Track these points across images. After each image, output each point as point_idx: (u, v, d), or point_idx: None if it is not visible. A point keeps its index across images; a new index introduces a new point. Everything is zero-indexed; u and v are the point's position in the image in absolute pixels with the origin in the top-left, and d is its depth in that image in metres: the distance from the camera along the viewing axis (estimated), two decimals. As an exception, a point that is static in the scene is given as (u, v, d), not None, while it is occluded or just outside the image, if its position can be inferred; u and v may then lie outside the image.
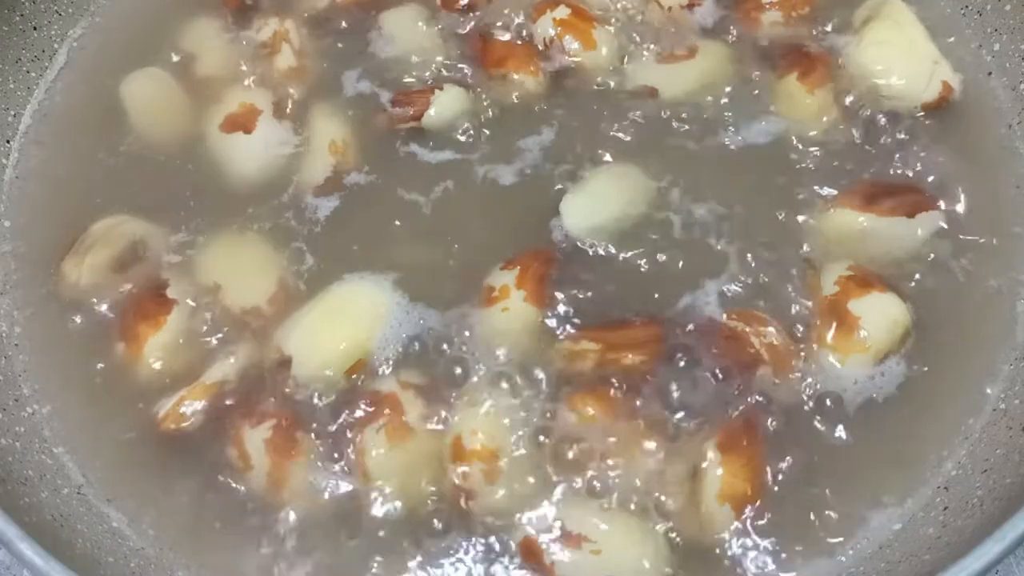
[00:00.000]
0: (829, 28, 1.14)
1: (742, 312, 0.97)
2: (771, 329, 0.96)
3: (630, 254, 1.01)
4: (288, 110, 1.11)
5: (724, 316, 0.97)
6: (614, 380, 0.94)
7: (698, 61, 1.11)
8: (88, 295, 1.03)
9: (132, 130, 1.13)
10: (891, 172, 1.06)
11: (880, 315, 0.95)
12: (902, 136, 1.08)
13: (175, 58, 1.17)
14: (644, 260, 1.01)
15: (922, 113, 1.08)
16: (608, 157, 1.07)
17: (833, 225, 1.02)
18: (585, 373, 0.94)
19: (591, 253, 1.01)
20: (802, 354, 0.96)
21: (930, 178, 1.06)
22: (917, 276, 1.00)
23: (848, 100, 1.09)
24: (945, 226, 1.01)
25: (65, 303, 1.03)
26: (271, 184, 1.08)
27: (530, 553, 0.87)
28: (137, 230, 1.05)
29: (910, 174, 1.06)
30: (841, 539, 0.91)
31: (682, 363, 0.94)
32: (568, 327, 0.97)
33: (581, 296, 0.99)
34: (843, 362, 0.95)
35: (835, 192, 1.04)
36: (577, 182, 1.05)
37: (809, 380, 0.95)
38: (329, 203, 1.07)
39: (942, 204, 1.03)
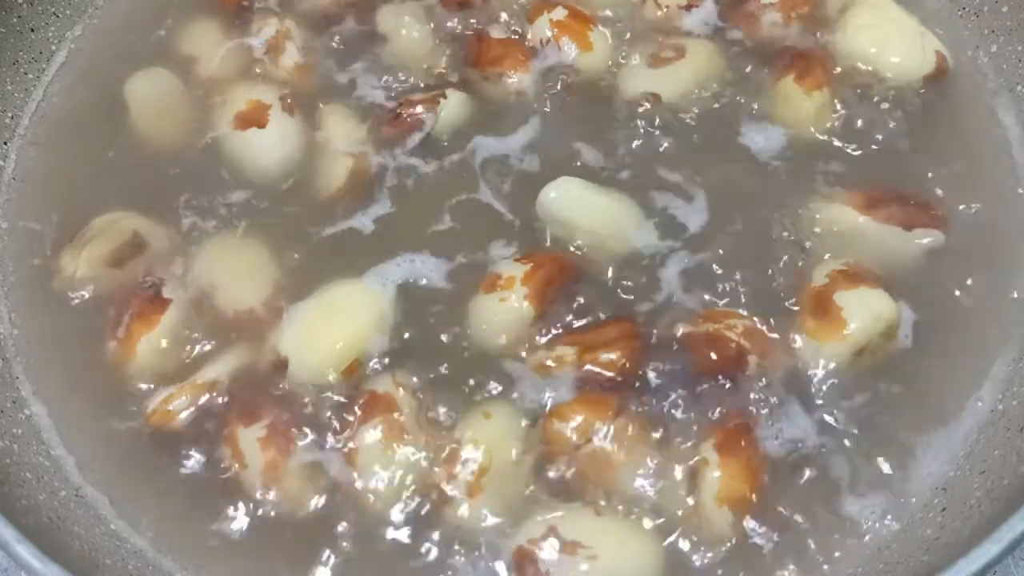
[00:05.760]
0: (825, 22, 1.15)
1: (709, 313, 0.98)
2: (739, 320, 0.96)
3: (617, 252, 1.02)
4: (295, 106, 1.11)
5: (692, 324, 0.97)
6: (606, 386, 0.94)
7: (689, 60, 1.11)
8: (84, 289, 1.03)
9: (133, 131, 1.13)
10: (887, 172, 1.06)
11: (863, 308, 0.95)
12: (898, 137, 1.08)
13: (175, 59, 1.17)
14: (632, 258, 1.02)
15: (923, 90, 1.10)
16: (602, 155, 1.07)
17: (830, 219, 1.02)
18: (573, 378, 0.94)
19: (577, 254, 1.01)
20: (791, 343, 0.96)
21: (927, 180, 1.06)
22: (915, 278, 1.00)
23: (847, 93, 1.10)
24: (943, 235, 1.01)
25: (63, 305, 1.03)
26: (282, 181, 1.08)
27: (524, 563, 0.87)
28: (136, 226, 1.05)
29: (906, 175, 1.06)
30: (840, 539, 0.91)
31: (671, 367, 0.95)
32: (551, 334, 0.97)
33: (574, 305, 0.99)
34: (820, 349, 0.95)
35: (832, 190, 1.04)
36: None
37: (800, 378, 0.95)
38: (331, 202, 1.07)
39: (945, 216, 1.03)
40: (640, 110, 1.09)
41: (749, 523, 0.90)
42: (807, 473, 0.92)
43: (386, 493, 0.92)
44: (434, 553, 0.90)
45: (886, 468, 0.93)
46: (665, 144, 1.08)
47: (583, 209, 1.02)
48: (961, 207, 1.05)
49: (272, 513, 0.92)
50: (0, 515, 0.82)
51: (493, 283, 0.98)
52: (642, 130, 1.09)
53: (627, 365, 0.94)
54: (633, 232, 1.03)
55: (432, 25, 1.17)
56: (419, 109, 1.09)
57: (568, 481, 0.91)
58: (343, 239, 1.05)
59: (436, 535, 0.91)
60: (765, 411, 0.93)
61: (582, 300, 0.99)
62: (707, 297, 0.99)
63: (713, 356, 0.94)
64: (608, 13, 1.16)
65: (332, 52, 1.16)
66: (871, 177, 1.06)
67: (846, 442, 0.94)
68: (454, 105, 1.09)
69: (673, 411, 0.93)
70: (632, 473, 0.91)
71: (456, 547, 0.90)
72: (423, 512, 0.91)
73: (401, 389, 0.94)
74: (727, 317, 0.97)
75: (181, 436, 0.95)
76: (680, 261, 1.02)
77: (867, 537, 0.91)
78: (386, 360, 0.97)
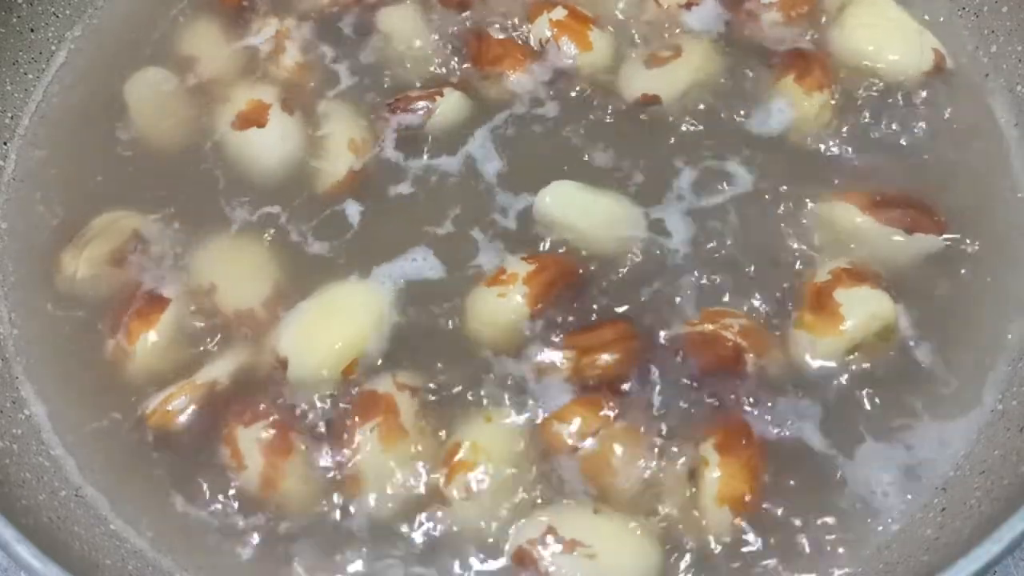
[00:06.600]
0: (823, 21, 1.15)
1: (705, 313, 0.98)
2: (736, 319, 0.96)
3: (615, 253, 1.02)
4: (295, 106, 1.11)
5: (689, 325, 0.97)
6: (605, 387, 0.94)
7: (686, 59, 1.11)
8: (85, 288, 1.03)
9: (132, 131, 1.13)
10: (886, 172, 1.06)
11: (861, 306, 0.95)
12: (898, 136, 1.08)
13: (175, 59, 1.17)
14: (630, 259, 1.02)
15: (922, 89, 1.10)
16: (602, 156, 1.07)
17: (831, 218, 1.02)
18: (572, 380, 0.94)
19: (576, 256, 1.01)
20: (788, 340, 0.97)
21: (925, 179, 1.06)
22: (914, 278, 1.00)
23: (847, 93, 1.10)
24: (944, 241, 1.01)
25: (63, 304, 1.03)
26: (282, 181, 1.08)
27: (523, 561, 0.87)
28: (136, 226, 1.05)
29: (905, 174, 1.06)
30: (839, 539, 0.91)
31: (669, 368, 0.95)
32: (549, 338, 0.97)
33: (573, 306, 0.99)
34: (816, 345, 0.95)
35: (832, 189, 1.04)
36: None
37: (798, 376, 0.95)
38: (330, 201, 1.07)
39: (946, 222, 1.02)
40: (638, 110, 1.09)
41: (749, 523, 0.89)
42: (806, 472, 0.92)
43: (385, 493, 0.92)
44: (434, 554, 0.90)
45: (885, 468, 0.93)
46: (663, 144, 1.08)
47: (579, 211, 1.02)
48: (960, 207, 1.04)
49: (271, 513, 0.92)
50: (0, 515, 0.82)
51: (496, 277, 0.98)
52: (640, 130, 1.09)
53: (625, 366, 0.94)
54: (630, 232, 1.03)
55: (432, 25, 1.17)
56: (416, 106, 1.09)
57: (567, 482, 0.91)
58: (343, 239, 1.05)
59: (436, 536, 0.91)
60: (763, 410, 0.93)
61: (580, 301, 0.99)
62: (706, 296, 0.99)
63: (711, 356, 0.94)
64: (608, 12, 1.16)
65: (332, 52, 1.16)
66: (870, 176, 1.06)
67: (845, 441, 0.93)
68: (452, 105, 1.09)
69: (672, 411, 0.93)
70: (631, 474, 0.91)
71: (456, 548, 0.90)
72: (423, 513, 0.91)
73: (401, 390, 0.94)
74: (723, 316, 0.97)
75: (181, 436, 0.95)
76: (679, 261, 1.02)
77: (867, 537, 0.91)
78: (386, 360, 0.97)
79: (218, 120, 1.12)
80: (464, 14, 1.17)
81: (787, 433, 0.93)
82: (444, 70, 1.14)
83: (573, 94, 1.11)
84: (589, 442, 0.91)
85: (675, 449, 0.92)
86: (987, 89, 1.13)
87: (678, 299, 0.99)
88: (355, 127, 1.10)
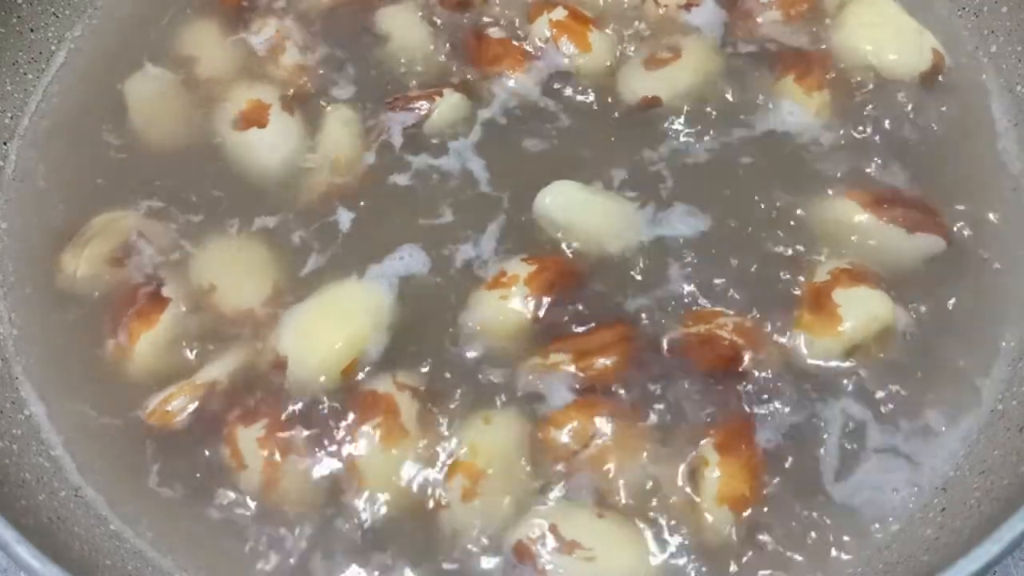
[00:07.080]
0: (823, 21, 1.15)
1: (699, 313, 0.98)
2: (729, 319, 0.96)
3: (615, 254, 1.02)
4: (295, 106, 1.11)
5: (684, 326, 0.97)
6: (603, 389, 0.94)
7: (685, 60, 1.11)
8: (85, 288, 1.03)
9: (132, 130, 1.13)
10: (885, 171, 1.06)
11: (860, 307, 0.95)
12: (897, 136, 1.08)
13: (175, 59, 1.17)
14: (629, 260, 1.02)
15: (921, 89, 1.10)
16: (601, 156, 1.07)
17: (832, 217, 1.02)
18: (570, 382, 0.94)
19: (576, 257, 1.02)
20: (785, 338, 0.96)
21: (924, 178, 1.06)
22: (914, 278, 1.00)
23: (846, 92, 1.10)
24: (945, 243, 1.01)
25: (63, 304, 1.03)
26: (283, 180, 1.08)
27: (522, 556, 0.87)
28: (136, 225, 1.05)
29: (904, 174, 1.06)
30: (839, 539, 0.91)
31: (668, 369, 0.95)
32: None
33: (572, 308, 0.99)
34: (813, 345, 0.95)
35: (832, 188, 1.04)
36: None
37: (796, 375, 0.95)
38: (330, 205, 1.07)
39: (947, 224, 1.02)
40: (638, 111, 1.09)
41: (749, 523, 0.89)
42: (806, 472, 0.92)
43: (385, 493, 0.92)
44: (432, 554, 0.90)
45: (885, 468, 0.93)
46: (662, 145, 1.08)
47: (580, 212, 1.02)
48: (959, 207, 1.05)
49: (271, 513, 0.92)
50: (0, 516, 0.82)
51: (497, 279, 0.98)
52: (639, 130, 1.09)
53: (624, 368, 0.94)
54: (630, 233, 1.03)
55: (431, 25, 1.17)
56: (415, 105, 1.09)
57: (567, 484, 0.91)
58: (342, 238, 1.05)
59: (434, 536, 0.91)
60: (763, 410, 0.93)
61: (580, 303, 0.99)
62: (705, 297, 0.99)
63: (710, 355, 0.94)
64: (608, 13, 1.16)
65: (332, 52, 1.16)
66: (870, 175, 1.06)
67: (845, 442, 0.94)
68: (451, 105, 1.09)
69: (671, 412, 0.93)
70: (631, 475, 0.91)
71: (454, 549, 0.90)
72: (422, 513, 0.91)
73: (402, 390, 0.94)
74: (716, 316, 0.97)
75: (180, 436, 0.95)
76: (678, 261, 1.01)
77: (867, 537, 0.91)
78: (385, 360, 0.97)
79: (218, 120, 1.12)
80: (464, 14, 1.17)
81: (787, 433, 0.93)
82: (443, 70, 1.14)
83: (573, 94, 1.11)
84: (588, 444, 0.91)
85: (674, 450, 0.92)
86: (987, 89, 1.13)
87: (677, 300, 0.99)
88: (355, 127, 1.10)
